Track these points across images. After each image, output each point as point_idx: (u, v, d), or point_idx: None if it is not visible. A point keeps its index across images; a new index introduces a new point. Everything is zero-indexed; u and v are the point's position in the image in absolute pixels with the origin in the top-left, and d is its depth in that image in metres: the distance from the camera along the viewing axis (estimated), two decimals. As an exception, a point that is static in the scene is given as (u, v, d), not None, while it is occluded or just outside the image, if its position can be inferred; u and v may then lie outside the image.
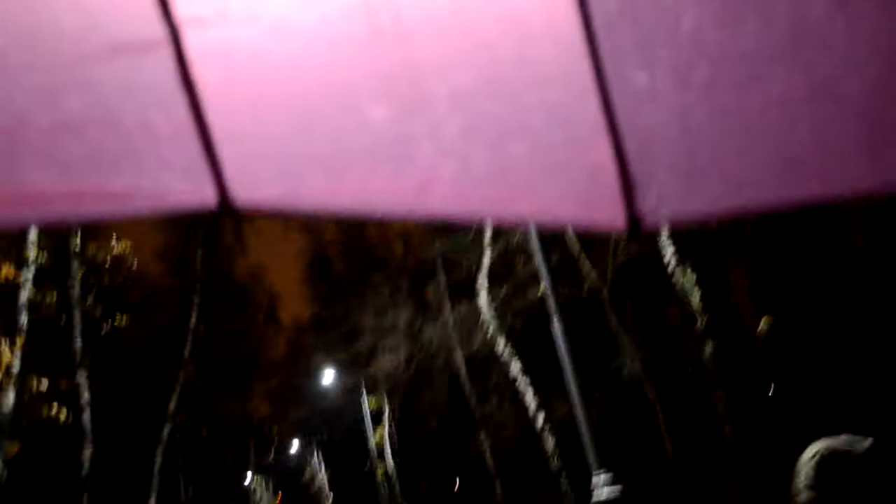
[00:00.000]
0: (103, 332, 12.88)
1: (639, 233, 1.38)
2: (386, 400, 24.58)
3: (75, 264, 13.60)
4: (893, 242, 14.48)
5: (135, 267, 13.36)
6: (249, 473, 37.37)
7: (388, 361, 18.85)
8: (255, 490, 40.87)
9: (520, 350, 15.63)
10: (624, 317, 14.16)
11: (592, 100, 1.27)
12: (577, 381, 7.60)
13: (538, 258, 8.34)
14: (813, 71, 1.22)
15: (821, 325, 16.11)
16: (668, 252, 9.09)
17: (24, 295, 10.04)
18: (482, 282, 14.99)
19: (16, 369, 9.24)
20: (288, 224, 28.55)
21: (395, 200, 1.38)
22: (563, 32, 1.23)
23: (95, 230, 14.06)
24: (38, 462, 16.37)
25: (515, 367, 14.58)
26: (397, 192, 1.37)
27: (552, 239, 10.92)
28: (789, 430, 14.94)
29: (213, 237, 24.82)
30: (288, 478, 46.43)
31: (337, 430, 33.42)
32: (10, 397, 9.01)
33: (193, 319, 21.88)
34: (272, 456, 43.29)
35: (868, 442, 2.01)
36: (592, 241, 15.08)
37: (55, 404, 9.71)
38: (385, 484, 26.16)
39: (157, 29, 1.19)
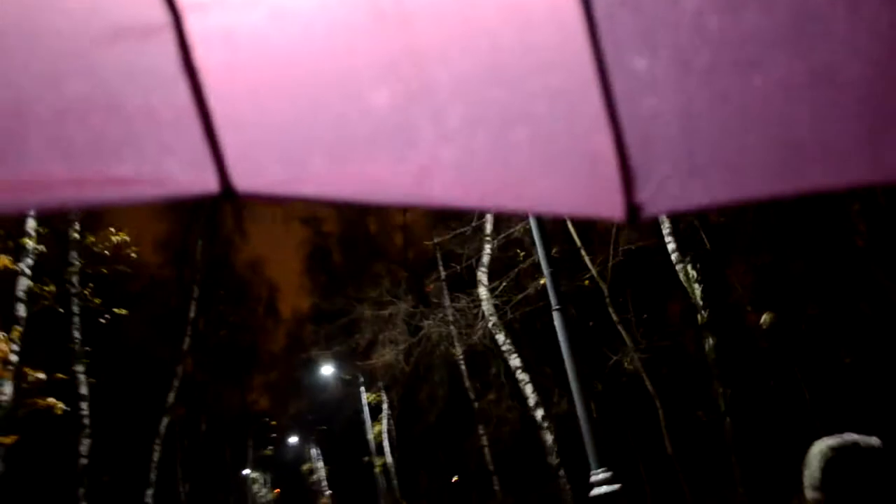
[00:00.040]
0: (102, 323, 12.85)
1: (638, 222, 1.38)
2: (384, 393, 24.61)
3: (74, 254, 13.59)
4: (893, 240, 14.48)
5: (134, 256, 13.30)
6: (248, 467, 37.43)
7: (388, 354, 18.85)
8: (253, 483, 40.93)
9: (519, 343, 15.63)
10: (625, 310, 14.14)
11: (593, 87, 1.26)
12: (577, 374, 7.62)
13: (539, 250, 8.34)
14: (814, 57, 1.21)
15: (821, 322, 16.11)
16: (671, 246, 9.09)
17: (22, 285, 10.03)
18: (482, 274, 14.99)
19: (14, 359, 9.23)
20: (288, 215, 28.60)
21: (396, 187, 1.38)
22: (564, 19, 1.23)
23: (94, 220, 14.05)
24: (36, 454, 16.39)
25: (515, 360, 14.58)
26: (399, 178, 1.37)
27: (553, 231, 10.93)
28: (788, 425, 14.96)
29: (212, 228, 24.81)
30: (286, 471, 46.53)
31: (336, 422, 33.46)
32: (8, 389, 9.00)
33: (193, 311, 21.88)
34: (270, 449, 43.36)
35: (875, 440, 2.01)
36: (594, 233, 15.10)
37: (52, 397, 9.68)
38: (383, 477, 26.21)
39: (160, 13, 1.19)
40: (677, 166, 1.34)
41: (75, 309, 14.19)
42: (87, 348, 14.42)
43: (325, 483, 42.69)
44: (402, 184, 1.37)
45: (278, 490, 48.22)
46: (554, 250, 9.51)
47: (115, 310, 12.28)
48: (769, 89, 1.24)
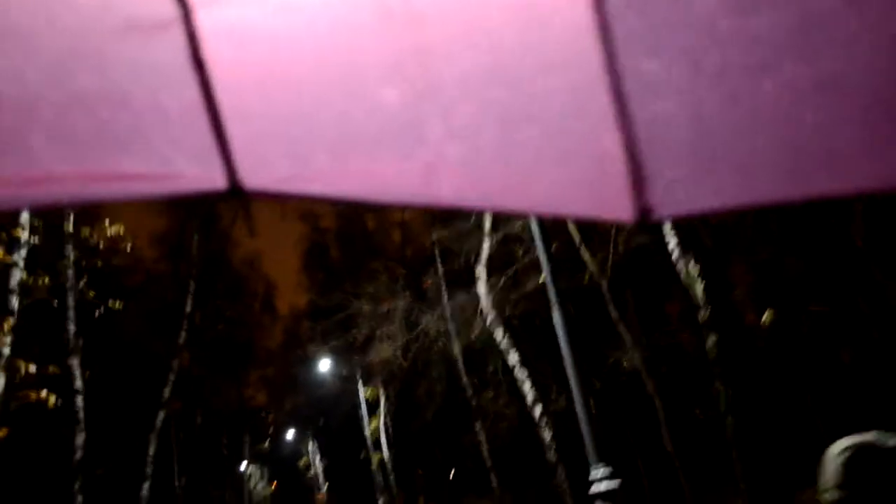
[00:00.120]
0: (97, 316, 12.79)
1: (647, 225, 1.37)
2: (382, 389, 24.57)
3: (69, 247, 13.51)
4: (891, 239, 14.49)
5: (129, 250, 13.23)
6: (244, 462, 37.40)
7: (385, 350, 18.80)
8: (250, 478, 40.94)
9: (518, 340, 15.59)
10: (624, 307, 14.11)
11: (603, 88, 1.25)
12: (576, 371, 7.57)
13: (539, 247, 8.28)
14: (823, 62, 1.19)
15: (821, 321, 16.10)
16: (672, 243, 9.04)
17: (16, 277, 9.95)
18: (481, 270, 14.93)
19: (6, 352, 9.17)
20: (285, 212, 28.56)
21: (403, 186, 1.37)
22: (574, 18, 1.21)
23: (89, 212, 13.97)
24: (31, 448, 16.34)
25: (513, 357, 14.53)
26: (405, 177, 1.36)
27: (553, 228, 10.87)
28: (789, 423, 14.96)
29: (209, 223, 24.74)
30: (283, 466, 46.57)
31: (333, 418, 33.45)
32: (0, 382, 8.94)
33: (189, 306, 21.82)
34: (268, 444, 43.37)
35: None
36: (593, 230, 15.03)
37: (45, 390, 9.62)
38: (380, 473, 26.20)
39: (169, 9, 1.19)
40: (688, 169, 1.33)
41: (70, 302, 14.12)
42: (82, 341, 14.34)
43: (321, 478, 42.72)
44: (408, 183, 1.36)
45: (275, 484, 48.27)
46: (553, 246, 9.45)
47: (110, 303, 12.20)
48: (779, 93, 1.22)
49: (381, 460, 26.10)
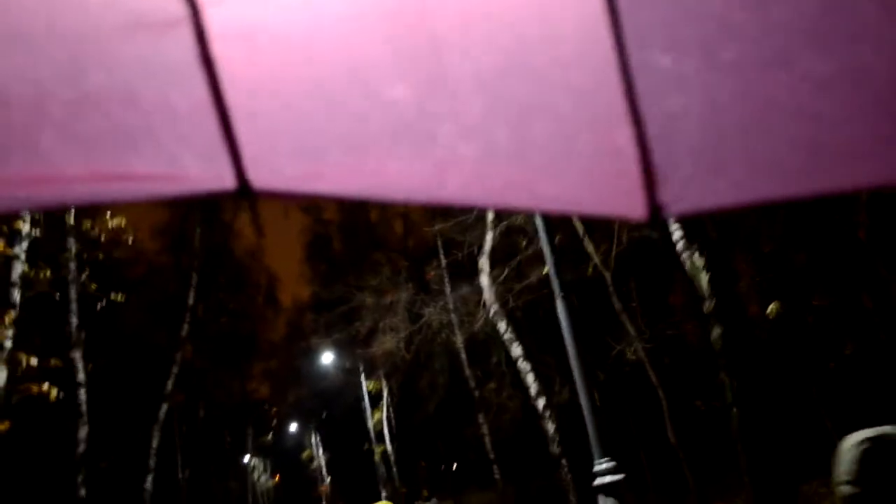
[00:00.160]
0: (99, 309, 12.76)
1: (659, 221, 1.35)
2: (384, 382, 24.56)
3: (71, 240, 13.46)
4: (895, 232, 14.44)
5: (131, 243, 13.19)
6: (248, 454, 37.47)
7: (388, 342, 18.76)
8: (253, 471, 41.02)
9: (521, 332, 15.53)
10: (627, 298, 14.04)
11: (616, 83, 1.23)
12: (580, 363, 7.52)
13: (543, 238, 8.22)
14: (842, 54, 1.17)
15: (826, 314, 16.06)
16: (677, 234, 8.96)
17: (17, 270, 9.91)
18: (484, 262, 14.86)
19: (8, 345, 9.13)
20: (288, 203, 28.48)
21: (413, 184, 1.36)
22: (587, 12, 1.20)
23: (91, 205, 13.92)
24: (34, 441, 16.35)
25: (516, 349, 14.47)
26: (416, 174, 1.35)
27: (556, 219, 10.81)
28: (794, 416, 14.92)
29: (212, 215, 24.72)
30: (286, 458, 46.69)
31: (336, 410, 33.49)
32: (2, 375, 8.90)
33: (191, 298, 21.80)
34: (270, 437, 43.46)
35: None
36: (596, 221, 14.96)
37: (47, 383, 9.58)
38: (383, 465, 26.21)
39: (178, 7, 1.18)
40: (700, 165, 1.31)
41: (72, 295, 14.08)
42: (84, 334, 14.31)
43: (324, 470, 42.81)
44: (419, 181, 1.36)
45: (278, 477, 48.39)
46: (557, 238, 9.39)
47: (112, 295, 12.16)
48: (795, 86, 1.20)
49: (384, 452, 26.11)
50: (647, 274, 16.89)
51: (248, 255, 29.22)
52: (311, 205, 29.22)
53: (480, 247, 15.00)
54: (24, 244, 10.04)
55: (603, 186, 1.39)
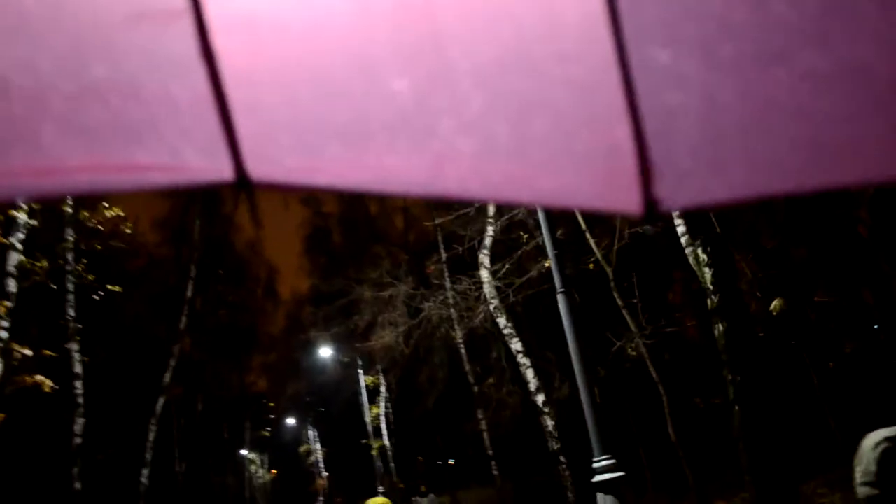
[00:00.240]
0: (97, 300, 12.65)
1: (654, 217, 1.36)
2: (382, 376, 24.50)
3: (69, 230, 13.36)
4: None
5: (130, 233, 13.09)
6: (245, 448, 37.46)
7: (387, 336, 18.68)
8: (250, 464, 41.03)
9: (521, 327, 15.46)
10: (629, 294, 13.93)
11: (614, 78, 1.23)
12: (581, 359, 7.46)
13: (545, 233, 8.14)
14: (842, 50, 1.16)
15: (828, 310, 16.00)
16: (681, 228, 8.86)
17: (13, 260, 9.80)
18: (484, 256, 14.76)
19: (4, 335, 9.03)
20: (288, 196, 28.46)
21: (413, 176, 1.36)
22: (587, 8, 1.20)
23: (90, 195, 13.82)
24: (30, 433, 16.28)
25: (516, 344, 14.39)
26: (416, 167, 1.35)
27: (558, 213, 10.72)
28: (797, 413, 14.86)
29: (211, 208, 24.68)
30: (283, 452, 46.71)
31: (334, 404, 33.47)
32: (-2, 366, 8.80)
33: (190, 290, 21.75)
34: (268, 430, 43.47)
35: None
36: (599, 216, 14.87)
37: (44, 375, 9.48)
38: (381, 460, 26.17)
39: None
40: (697, 161, 1.31)
41: (69, 286, 13.98)
42: (80, 326, 14.21)
43: (322, 465, 42.83)
44: (419, 174, 1.35)
45: (275, 471, 48.39)
46: (559, 232, 9.31)
47: (109, 287, 12.05)
48: (795, 83, 1.20)
49: (382, 447, 26.06)
50: (647, 270, 16.79)
51: (247, 247, 29.22)
52: (311, 197, 29.18)
53: (481, 241, 14.91)
54: (20, 234, 9.93)
55: (599, 181, 1.38)
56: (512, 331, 14.52)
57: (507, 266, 14.86)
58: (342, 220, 29.99)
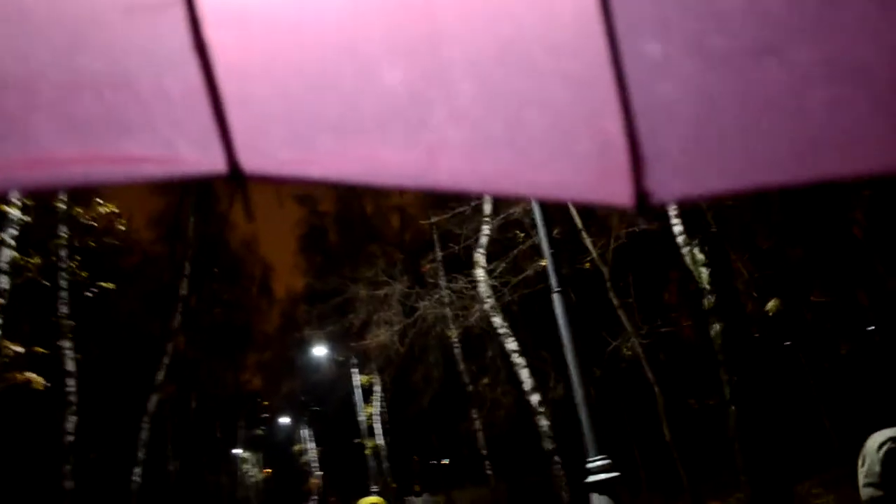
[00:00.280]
0: (90, 297, 12.57)
1: (646, 210, 1.35)
2: (377, 375, 24.44)
3: (63, 227, 13.27)
4: (891, 229, 14.42)
5: (124, 229, 13.01)
6: (239, 447, 37.36)
7: (382, 335, 18.64)
8: (243, 463, 40.94)
9: (516, 326, 15.42)
10: (624, 294, 13.91)
11: (606, 71, 1.24)
12: (576, 359, 7.41)
13: (541, 231, 8.09)
14: (833, 43, 1.17)
15: (825, 310, 16.01)
16: (677, 228, 8.84)
17: (6, 256, 9.73)
18: (479, 255, 14.72)
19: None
20: (283, 194, 28.41)
21: (405, 169, 1.37)
22: (580, 2, 1.21)
23: (84, 190, 13.73)
24: (22, 431, 16.20)
25: (512, 343, 14.35)
26: (408, 159, 1.36)
27: (554, 212, 10.69)
28: (792, 413, 14.85)
29: (206, 205, 24.61)
30: (277, 451, 46.64)
31: (328, 403, 33.42)
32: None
33: (184, 288, 21.67)
34: (262, 429, 43.40)
35: None
36: (595, 215, 14.85)
37: (36, 373, 9.42)
38: (374, 459, 26.12)
39: None
40: (688, 153, 1.32)
41: (63, 283, 13.88)
42: (73, 323, 14.12)
43: (316, 464, 42.76)
44: (411, 166, 1.36)
45: (269, 470, 48.29)
46: (555, 231, 9.27)
47: (103, 284, 11.99)
48: (786, 76, 1.21)
49: (375, 447, 26.01)
50: (643, 269, 16.77)
51: (243, 245, 29.14)
52: (306, 196, 29.17)
53: (477, 240, 14.86)
54: (13, 230, 9.85)
55: (591, 174, 1.39)
56: (507, 330, 14.48)
57: (503, 265, 14.83)
58: (338, 219, 29.97)
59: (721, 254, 8.84)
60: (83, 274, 12.56)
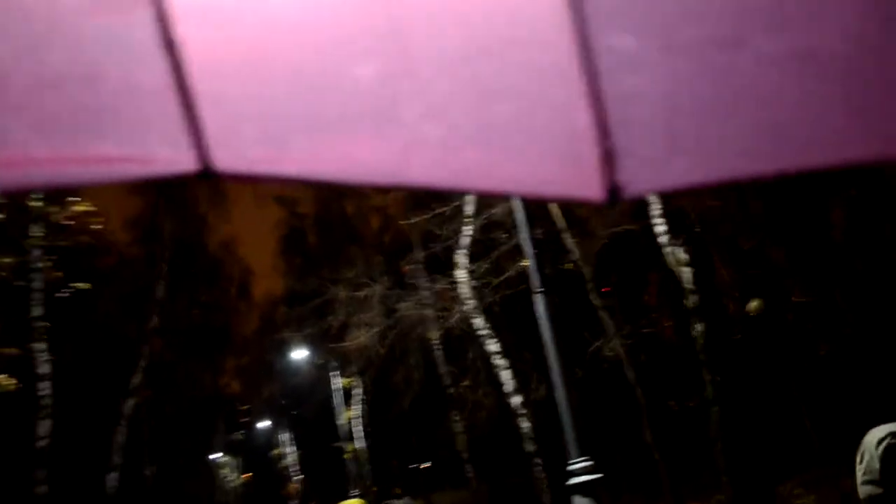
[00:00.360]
0: (65, 298, 12.37)
1: (617, 203, 1.37)
2: (357, 378, 24.31)
3: (36, 227, 13.05)
4: (871, 233, 14.53)
5: (100, 229, 12.83)
6: (217, 451, 37.03)
7: (362, 337, 18.52)
8: (222, 468, 40.59)
9: (498, 327, 15.37)
10: (606, 295, 13.92)
11: (574, 64, 1.24)
12: (559, 360, 7.35)
13: (523, 231, 8.03)
14: (801, 34, 1.18)
15: (806, 311, 16.10)
16: (660, 228, 8.84)
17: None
18: (460, 256, 14.65)
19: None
20: (262, 195, 28.23)
21: (379, 166, 1.36)
22: None
23: (59, 190, 13.55)
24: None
25: (493, 345, 14.29)
26: (382, 157, 1.35)
27: (536, 213, 10.64)
28: (773, 413, 14.92)
29: (183, 206, 24.40)
30: (257, 456, 46.35)
31: (308, 407, 33.25)
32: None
33: (161, 290, 21.46)
34: (241, 433, 43.12)
35: None
36: (576, 216, 14.86)
37: (7, 374, 9.23)
38: (354, 463, 25.99)
39: None
40: (659, 146, 1.32)
41: (36, 284, 13.65)
42: (47, 324, 13.88)
43: (296, 468, 42.52)
44: (385, 163, 1.36)
45: (248, 475, 47.96)
46: (538, 232, 9.24)
47: (77, 284, 11.80)
48: (754, 67, 1.22)
49: (355, 451, 25.89)
50: (624, 271, 16.81)
51: (221, 247, 28.88)
52: (286, 197, 29.01)
53: (458, 240, 14.79)
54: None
55: (562, 168, 1.40)
56: (488, 331, 14.42)
57: (484, 266, 14.77)
58: (318, 221, 29.83)
59: (703, 254, 8.84)
60: (58, 274, 12.37)
